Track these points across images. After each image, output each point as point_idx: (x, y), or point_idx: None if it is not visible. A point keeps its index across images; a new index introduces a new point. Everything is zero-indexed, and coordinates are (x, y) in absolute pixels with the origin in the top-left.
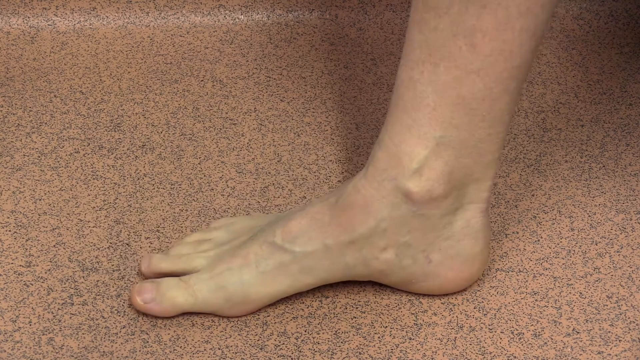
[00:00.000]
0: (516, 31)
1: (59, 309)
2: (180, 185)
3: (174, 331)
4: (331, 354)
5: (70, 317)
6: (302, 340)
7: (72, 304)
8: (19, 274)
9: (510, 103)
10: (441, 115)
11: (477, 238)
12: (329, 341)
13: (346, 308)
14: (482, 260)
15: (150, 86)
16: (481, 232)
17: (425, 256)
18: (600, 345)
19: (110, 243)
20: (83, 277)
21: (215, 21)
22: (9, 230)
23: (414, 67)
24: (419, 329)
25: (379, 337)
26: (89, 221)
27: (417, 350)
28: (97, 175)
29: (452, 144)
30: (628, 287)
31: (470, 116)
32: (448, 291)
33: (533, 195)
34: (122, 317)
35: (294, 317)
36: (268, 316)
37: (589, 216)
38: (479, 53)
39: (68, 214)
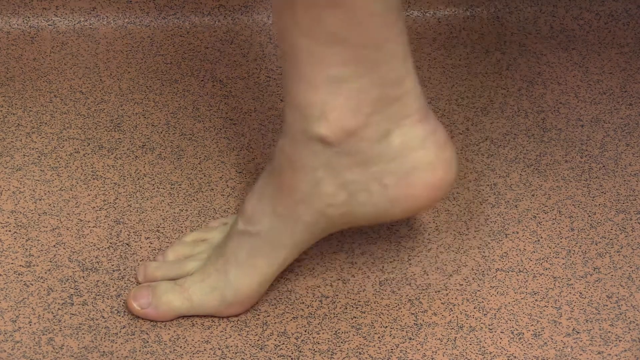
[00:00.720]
0: None
1: (59, 309)
2: (180, 185)
3: (174, 331)
4: (331, 354)
5: (70, 317)
6: (302, 340)
7: (72, 304)
8: (19, 274)
9: (385, 22)
10: (320, 56)
11: (426, 147)
12: (329, 341)
13: (346, 308)
14: (444, 164)
15: (150, 86)
16: (428, 139)
17: (378, 184)
18: (600, 345)
19: (110, 243)
20: (83, 277)
21: (215, 21)
22: (9, 230)
23: (279, 17)
24: (419, 329)
25: (379, 337)
26: (89, 221)
27: (417, 350)
28: (97, 175)
29: (345, 79)
30: (628, 287)
31: (348, 48)
32: (425, 205)
33: (533, 195)
34: (122, 317)
35: (294, 317)
36: (268, 316)
37: (589, 216)
38: None
39: (68, 214)
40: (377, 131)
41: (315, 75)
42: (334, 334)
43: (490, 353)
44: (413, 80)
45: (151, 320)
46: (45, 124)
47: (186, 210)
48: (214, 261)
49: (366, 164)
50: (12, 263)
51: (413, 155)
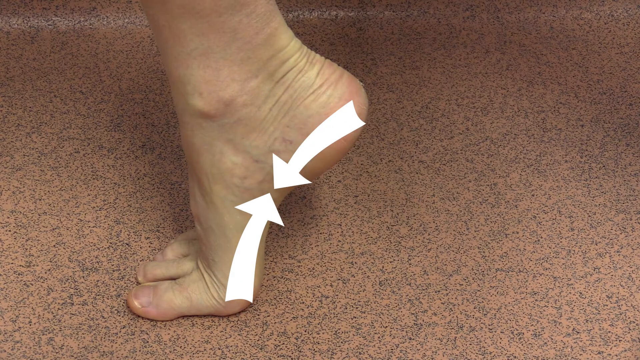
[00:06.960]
0: None
1: (59, 309)
2: (180, 185)
3: (174, 331)
4: (331, 354)
5: (70, 317)
6: (302, 340)
7: (72, 304)
8: (19, 274)
9: None
10: (178, 31)
11: (315, 92)
12: (329, 341)
13: (346, 308)
14: (340, 100)
15: (150, 86)
16: (315, 83)
17: (282, 142)
18: (600, 345)
19: (110, 243)
20: (83, 277)
21: None
22: (9, 230)
23: None
24: (419, 329)
25: (379, 337)
26: (89, 221)
27: (417, 350)
28: (97, 175)
29: (208, 50)
30: (628, 287)
31: (201, 19)
32: (342, 147)
33: (533, 195)
34: (122, 317)
35: (294, 317)
36: (268, 316)
37: (589, 216)
38: None
39: (68, 214)
40: (258, 94)
41: (180, 50)
42: (334, 334)
43: (490, 353)
44: (285, 37)
45: (152, 319)
46: (45, 124)
47: (186, 210)
48: (201, 262)
49: (261, 127)
50: (12, 263)
51: (304, 104)
